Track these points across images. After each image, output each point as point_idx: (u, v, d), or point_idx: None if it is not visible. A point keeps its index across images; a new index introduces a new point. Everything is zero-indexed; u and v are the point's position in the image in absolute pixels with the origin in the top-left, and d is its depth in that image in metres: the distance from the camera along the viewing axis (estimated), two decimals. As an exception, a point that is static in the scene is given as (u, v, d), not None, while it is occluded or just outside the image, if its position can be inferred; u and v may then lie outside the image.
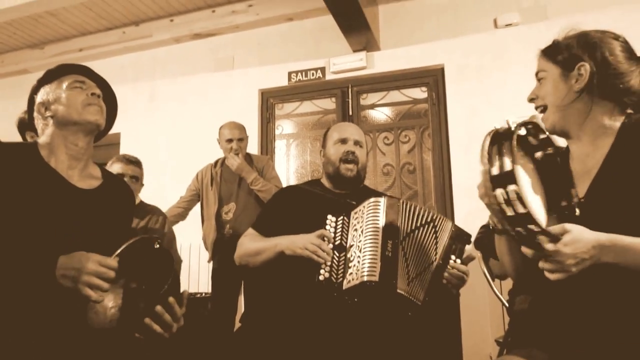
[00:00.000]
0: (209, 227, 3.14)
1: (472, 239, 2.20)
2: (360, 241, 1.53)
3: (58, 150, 1.39)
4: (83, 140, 1.42)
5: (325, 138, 1.98)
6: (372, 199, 1.59)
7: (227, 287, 3.09)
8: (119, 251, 1.20)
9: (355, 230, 1.57)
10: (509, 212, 0.96)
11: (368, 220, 1.54)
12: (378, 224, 1.52)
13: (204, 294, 3.25)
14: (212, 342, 2.81)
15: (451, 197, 3.50)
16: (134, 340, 1.19)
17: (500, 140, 1.01)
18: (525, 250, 1.00)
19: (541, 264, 1.00)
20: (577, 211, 1.07)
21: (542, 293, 1.20)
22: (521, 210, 0.94)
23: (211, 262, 3.21)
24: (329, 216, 1.63)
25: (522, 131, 1.06)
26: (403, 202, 1.60)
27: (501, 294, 2.37)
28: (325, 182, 1.95)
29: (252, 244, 1.76)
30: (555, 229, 0.98)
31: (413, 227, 1.57)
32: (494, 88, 3.48)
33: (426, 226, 1.58)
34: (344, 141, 1.88)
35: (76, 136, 1.41)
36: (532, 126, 1.09)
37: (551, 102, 1.18)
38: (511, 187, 0.94)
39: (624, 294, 1.02)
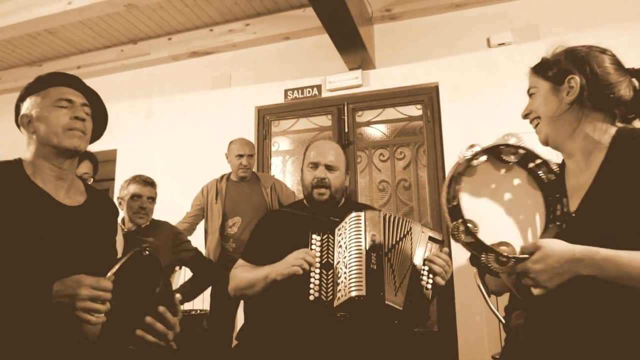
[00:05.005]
0: (212, 241, 3.14)
1: (468, 256, 2.21)
2: (345, 257, 1.54)
3: (42, 170, 1.36)
4: (65, 162, 1.39)
5: (304, 156, 1.96)
6: (353, 214, 1.60)
7: (226, 304, 3.07)
8: (114, 270, 1.18)
9: (340, 246, 1.58)
10: (467, 241, 1.07)
11: (351, 236, 1.55)
12: (360, 238, 1.53)
13: (198, 311, 3.23)
14: (208, 359, 2.78)
15: (447, 214, 3.51)
16: (129, 353, 1.17)
17: (454, 176, 1.13)
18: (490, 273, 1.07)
19: (523, 281, 1.05)
20: (564, 225, 1.11)
21: (537, 307, 1.20)
22: (470, 240, 1.05)
23: None
24: (314, 235, 1.63)
25: (482, 158, 1.16)
26: (385, 215, 1.61)
27: (497, 310, 2.36)
28: (306, 202, 1.96)
29: (244, 276, 1.74)
30: (527, 246, 1.05)
31: (398, 239, 1.58)
32: (487, 105, 3.52)
33: (407, 235, 1.60)
34: (315, 166, 1.86)
35: (58, 159, 1.37)
36: (504, 146, 1.18)
37: (543, 113, 1.22)
38: (459, 220, 1.07)
39: (617, 311, 1.02)
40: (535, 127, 1.27)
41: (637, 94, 1.18)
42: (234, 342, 1.80)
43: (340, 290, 1.49)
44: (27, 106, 1.40)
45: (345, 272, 1.50)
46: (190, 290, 2.57)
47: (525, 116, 1.29)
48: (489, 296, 2.37)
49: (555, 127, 1.21)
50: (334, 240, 1.62)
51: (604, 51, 1.22)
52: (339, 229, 1.62)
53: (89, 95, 1.46)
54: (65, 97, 1.39)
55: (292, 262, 1.56)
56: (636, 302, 1.00)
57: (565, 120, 1.19)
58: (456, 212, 1.07)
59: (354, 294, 1.44)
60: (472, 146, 1.15)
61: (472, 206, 1.08)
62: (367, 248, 1.51)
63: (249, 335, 1.70)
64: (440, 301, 3.44)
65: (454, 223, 1.07)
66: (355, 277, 1.47)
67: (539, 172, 1.18)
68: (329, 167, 1.85)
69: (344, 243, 1.57)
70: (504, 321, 2.23)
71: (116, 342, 1.16)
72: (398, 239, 1.58)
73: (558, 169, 1.20)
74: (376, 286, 1.46)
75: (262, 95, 4.22)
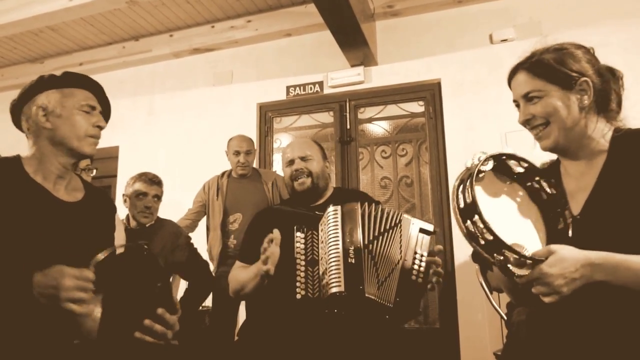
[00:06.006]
0: (214, 237, 3.14)
1: (470, 252, 2.21)
2: (325, 253, 1.53)
3: (46, 167, 1.36)
4: (73, 164, 1.42)
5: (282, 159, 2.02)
6: (330, 208, 1.60)
7: (228, 301, 3.07)
8: (97, 259, 1.17)
9: (322, 242, 1.58)
10: (482, 241, 1.00)
11: (329, 231, 1.55)
12: (338, 232, 1.53)
13: (201, 308, 3.24)
14: (210, 355, 2.79)
15: (449, 210, 3.51)
16: (126, 353, 1.17)
17: (467, 176, 1.07)
18: (507, 277, 1.01)
19: (534, 289, 1.00)
20: (570, 233, 1.08)
21: (539, 308, 1.20)
22: (489, 237, 0.98)
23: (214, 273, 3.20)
24: (297, 233, 1.62)
25: (488, 165, 1.10)
26: (365, 207, 1.59)
27: (499, 307, 2.35)
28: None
29: (237, 279, 1.77)
30: (540, 251, 1.01)
31: (382, 231, 1.57)
32: (489, 102, 3.51)
33: (395, 228, 1.58)
34: (290, 163, 1.92)
35: (67, 159, 1.39)
36: (506, 157, 1.13)
37: (559, 121, 1.15)
38: (475, 217, 1.00)
39: (619, 308, 1.02)
40: (538, 132, 1.19)
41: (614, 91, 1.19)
42: (236, 339, 1.81)
43: (323, 286, 1.50)
44: (48, 99, 1.38)
45: (326, 268, 1.50)
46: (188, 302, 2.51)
47: (526, 121, 1.21)
48: (491, 293, 2.36)
49: (570, 133, 1.16)
50: (317, 235, 1.62)
51: (589, 50, 1.21)
52: (321, 224, 1.62)
53: (103, 102, 1.49)
54: (90, 103, 1.42)
55: (261, 257, 1.53)
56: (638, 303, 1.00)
57: (579, 125, 1.15)
58: (470, 210, 1.01)
59: (333, 290, 1.44)
60: (482, 153, 1.10)
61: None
62: (344, 242, 1.51)
63: (250, 332, 1.71)
64: (441, 298, 3.44)
65: (470, 221, 1.00)
66: (334, 273, 1.46)
67: (538, 189, 1.14)
68: (303, 159, 1.91)
69: (325, 238, 1.56)
70: (505, 318, 2.22)
71: (114, 343, 1.16)
72: (382, 231, 1.57)
73: (554, 181, 1.16)
74: (355, 281, 1.45)
75: (264, 92, 4.22)
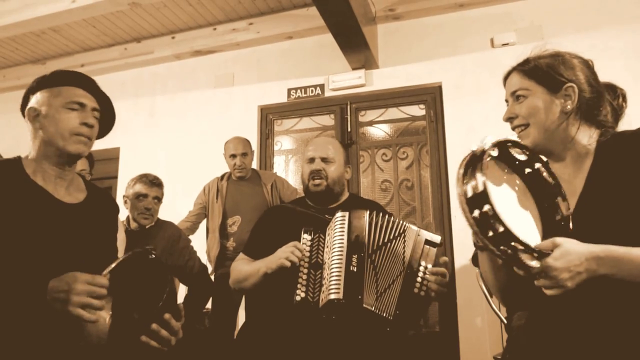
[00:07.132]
0: (212, 240, 3.14)
1: (470, 256, 2.21)
2: (329, 258, 1.53)
3: (43, 169, 1.35)
4: (66, 165, 1.38)
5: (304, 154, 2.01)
6: (339, 214, 1.59)
7: (227, 302, 3.08)
8: (110, 268, 1.18)
9: (327, 247, 1.57)
10: (490, 233, 0.95)
11: (335, 236, 1.55)
12: (343, 239, 1.53)
13: (201, 309, 3.24)
14: (210, 357, 2.79)
15: (449, 214, 3.51)
16: (131, 355, 1.18)
17: (474, 162, 1.02)
18: (517, 270, 0.99)
19: (537, 282, 0.99)
20: (571, 225, 1.08)
21: (535, 309, 1.20)
22: (500, 229, 0.94)
23: (213, 275, 3.20)
24: (304, 235, 1.62)
25: (495, 152, 1.07)
26: (373, 215, 1.59)
27: (499, 311, 2.36)
28: (307, 199, 1.97)
29: (240, 270, 1.79)
30: (544, 244, 0.99)
31: (385, 240, 1.56)
32: (490, 106, 3.51)
33: (399, 237, 1.57)
34: (311, 160, 1.91)
35: (59, 160, 1.36)
36: (511, 144, 1.11)
37: (538, 122, 1.19)
38: (486, 207, 0.95)
39: (620, 306, 1.02)
40: (520, 132, 1.23)
41: (612, 106, 1.23)
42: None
43: (323, 291, 1.49)
44: (37, 100, 1.37)
45: (328, 273, 1.50)
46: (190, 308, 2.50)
47: (508, 119, 1.26)
48: (491, 296, 2.37)
49: (549, 136, 1.19)
50: (324, 239, 1.61)
51: (587, 62, 1.24)
52: (328, 229, 1.62)
53: (99, 98, 1.44)
54: (77, 100, 1.36)
55: (280, 255, 1.57)
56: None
57: (561, 130, 1.18)
58: (479, 199, 0.96)
59: (332, 297, 1.44)
60: (489, 137, 1.06)
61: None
62: (348, 249, 1.50)
63: (250, 334, 1.71)
64: (441, 301, 3.44)
65: (479, 211, 0.96)
66: (334, 280, 1.46)
67: (537, 178, 1.13)
68: (324, 160, 1.89)
69: (330, 243, 1.56)
70: (505, 321, 2.23)
71: (122, 346, 1.16)
72: (386, 241, 1.56)
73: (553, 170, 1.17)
74: (354, 289, 1.45)
75: (265, 95, 4.22)
